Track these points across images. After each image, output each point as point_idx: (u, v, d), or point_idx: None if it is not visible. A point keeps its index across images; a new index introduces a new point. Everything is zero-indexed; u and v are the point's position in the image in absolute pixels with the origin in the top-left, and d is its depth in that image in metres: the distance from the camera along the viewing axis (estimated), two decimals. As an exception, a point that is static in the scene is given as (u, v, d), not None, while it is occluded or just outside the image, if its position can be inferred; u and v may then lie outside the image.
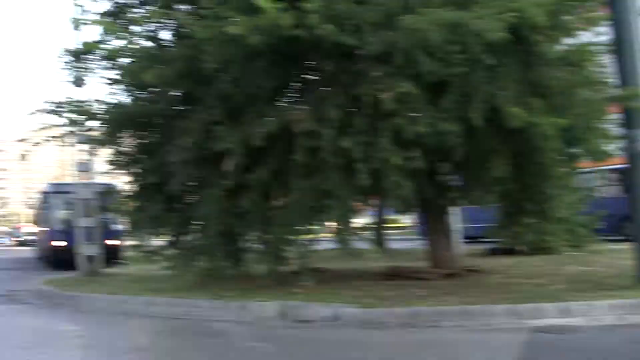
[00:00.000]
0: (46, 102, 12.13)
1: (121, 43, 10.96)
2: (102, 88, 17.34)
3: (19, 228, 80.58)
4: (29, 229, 66.86)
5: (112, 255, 18.41)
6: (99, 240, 15.00)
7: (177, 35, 10.34)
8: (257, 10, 7.73)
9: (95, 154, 14.11)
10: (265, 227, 9.90)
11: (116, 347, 6.85)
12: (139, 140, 11.98)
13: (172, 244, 11.41)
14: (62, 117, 12.12)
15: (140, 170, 11.72)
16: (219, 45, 8.29)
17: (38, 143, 12.59)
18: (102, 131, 12.38)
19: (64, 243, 19.58)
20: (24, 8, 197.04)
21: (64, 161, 59.63)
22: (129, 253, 20.45)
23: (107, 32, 11.36)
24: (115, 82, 11.75)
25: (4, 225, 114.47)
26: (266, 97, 9.19)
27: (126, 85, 11.30)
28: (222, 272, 10.13)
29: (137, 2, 11.95)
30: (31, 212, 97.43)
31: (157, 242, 12.75)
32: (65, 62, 12.97)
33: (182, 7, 10.38)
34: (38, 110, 12.12)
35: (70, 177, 42.36)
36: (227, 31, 7.86)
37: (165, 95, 10.28)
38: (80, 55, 12.69)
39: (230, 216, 9.68)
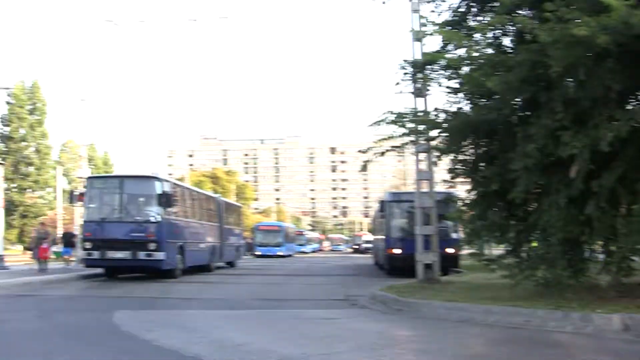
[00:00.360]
0: (387, 112, 13.58)
1: (462, 51, 11.85)
2: (442, 97, 18.47)
3: (358, 236, 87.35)
4: (367, 236, 72.41)
5: (449, 263, 19.50)
6: (437, 248, 15.78)
7: (520, 40, 10.66)
8: (605, 9, 7.78)
9: (434, 163, 15.11)
10: (610, 236, 9.80)
11: (454, 354, 7.32)
12: (479, 148, 12.62)
13: (511, 253, 11.70)
14: (404, 127, 13.46)
15: (480, 178, 12.22)
16: (565, 48, 8.47)
17: (382, 153, 14.12)
18: (443, 140, 13.41)
19: (400, 250, 21.27)
20: (362, 22, 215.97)
21: (402, 170, 63.99)
22: (466, 261, 21.43)
23: (448, 41, 12.35)
24: (456, 90, 12.65)
25: (342, 234, 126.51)
26: (614, 99, 9.10)
27: (467, 94, 12.04)
28: (562, 282, 10.11)
29: (477, 10, 12.73)
30: (369, 220, 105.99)
31: (496, 250, 13.24)
32: (405, 73, 14.39)
33: (524, 11, 10.72)
34: (378, 122, 13.60)
35: (408, 186, 45.20)
36: (574, 33, 8.05)
37: (508, 101, 10.62)
38: (420, 65, 13.98)
39: (574, 224, 9.73)
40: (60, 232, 33.81)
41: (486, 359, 7.26)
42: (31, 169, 56.99)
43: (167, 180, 20.93)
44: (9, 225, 46.24)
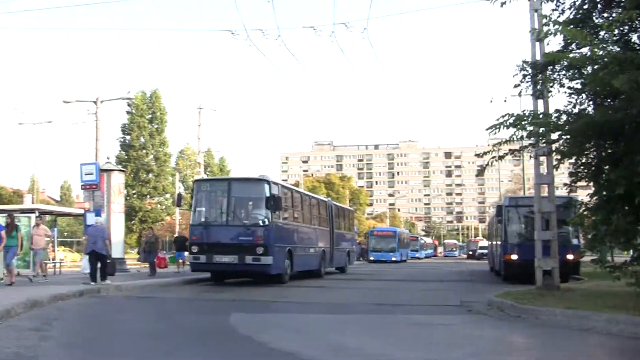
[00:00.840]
0: (505, 115, 13.16)
1: (586, 50, 11.33)
2: (563, 99, 17.75)
3: (473, 241, 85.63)
4: (482, 242, 70.82)
5: (569, 270, 18.65)
6: (557, 254, 15.14)
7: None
8: None
9: (555, 166, 14.51)
10: None
11: None
12: (603, 150, 12.03)
13: (637, 259, 11.18)
14: (523, 130, 12.99)
15: (604, 182, 11.67)
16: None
17: (500, 157, 13.68)
18: (564, 142, 12.86)
19: (517, 256, 20.53)
20: (479, 23, 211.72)
21: (519, 175, 62.07)
22: (587, 268, 20.44)
23: (571, 40, 11.85)
24: (578, 91, 12.12)
25: (456, 239, 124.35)
26: None
27: (591, 94, 11.55)
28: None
29: (602, 6, 12.14)
30: (484, 225, 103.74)
31: (620, 257, 12.53)
32: (525, 75, 13.92)
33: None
34: (497, 125, 13.19)
35: (526, 191, 43.75)
36: None
37: (636, 101, 10.05)
38: (541, 66, 13.48)
39: None
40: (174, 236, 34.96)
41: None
42: (150, 175, 58.50)
43: (275, 183, 20.08)
44: (129, 230, 48.21)
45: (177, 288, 17.94)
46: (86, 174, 17.07)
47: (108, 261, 17.31)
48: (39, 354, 6.90)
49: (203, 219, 19.40)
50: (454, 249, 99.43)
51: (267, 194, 18.55)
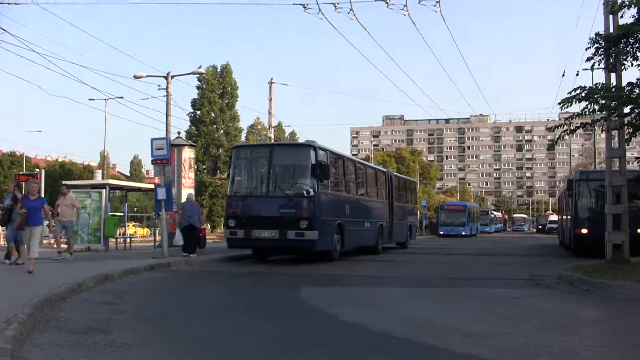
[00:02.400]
0: (578, 89, 12.80)
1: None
2: (635, 72, 17.08)
3: (544, 215, 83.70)
4: (552, 216, 69.13)
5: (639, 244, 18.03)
6: (628, 228, 14.71)
7: None
8: None
9: (627, 140, 14.02)
10: None
11: (638, 336, 6.83)
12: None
13: None
14: (596, 103, 12.61)
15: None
16: None
17: (572, 131, 13.32)
18: (636, 116, 12.41)
19: (587, 230, 20.03)
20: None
21: (590, 149, 60.10)
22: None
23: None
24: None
25: (526, 214, 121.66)
26: None
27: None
28: None
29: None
30: (555, 200, 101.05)
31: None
32: (598, 48, 13.44)
33: None
34: (569, 99, 12.84)
35: (597, 165, 42.40)
36: None
37: None
38: (615, 39, 12.99)
39: None
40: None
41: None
42: (221, 150, 58.24)
43: (324, 149, 17.29)
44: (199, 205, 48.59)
45: (245, 263, 17.33)
46: (157, 149, 16.67)
47: (200, 235, 17.91)
48: (111, 328, 6.85)
49: (241, 190, 17.36)
50: (523, 223, 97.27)
51: (313, 161, 16.35)
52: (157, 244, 22.70)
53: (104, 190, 21.11)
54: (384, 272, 15.79)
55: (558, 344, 6.05)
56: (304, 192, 16.26)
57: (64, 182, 22.57)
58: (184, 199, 19.87)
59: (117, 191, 30.06)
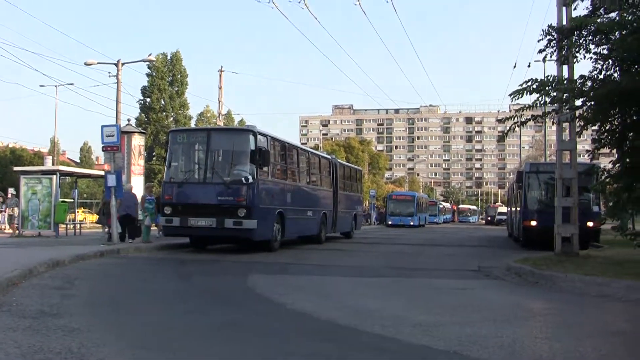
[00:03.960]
0: (529, 81, 13.01)
1: (614, 15, 11.10)
2: (587, 65, 17.51)
3: (492, 207, 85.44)
4: (501, 208, 70.68)
5: (589, 237, 18.47)
6: (577, 221, 15.00)
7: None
8: None
9: (578, 133, 14.35)
10: None
11: (594, 329, 6.91)
12: (629, 117, 11.89)
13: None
14: (547, 95, 12.85)
15: (629, 149, 11.59)
16: None
17: (523, 123, 13.53)
18: (588, 109, 12.70)
19: (537, 223, 20.49)
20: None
21: (540, 141, 61.60)
22: (606, 236, 20.31)
23: (599, 4, 11.62)
24: (605, 57, 11.91)
25: (475, 205, 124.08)
26: None
27: (618, 60, 11.34)
28: None
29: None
30: (504, 191, 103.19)
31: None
32: (550, 40, 13.69)
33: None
34: (520, 91, 13.04)
35: (546, 157, 43.36)
36: None
37: None
38: (567, 31, 13.24)
39: None
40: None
41: (630, 336, 6.81)
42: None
43: (264, 134, 16.79)
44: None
45: (189, 250, 17.29)
46: (107, 136, 16.81)
47: (138, 224, 18.28)
48: (62, 312, 6.98)
49: (177, 176, 16.89)
50: (469, 214, 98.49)
51: (253, 147, 15.91)
52: (106, 230, 22.53)
53: (55, 176, 21.38)
54: (329, 261, 15.87)
55: (506, 335, 6.14)
56: (243, 178, 15.82)
57: (14, 169, 22.76)
58: (136, 186, 20.36)
59: (67, 177, 29.81)
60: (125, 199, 17.98)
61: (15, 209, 29.42)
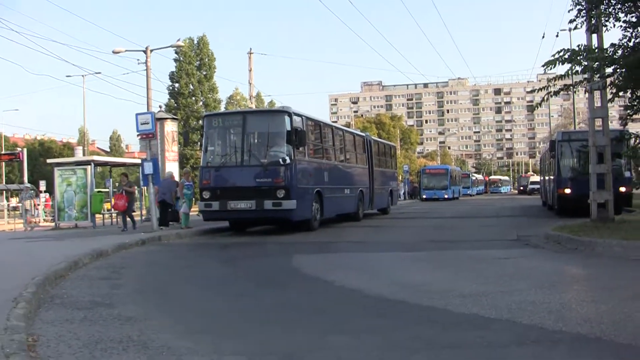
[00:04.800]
0: (561, 51, 12.98)
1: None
2: (617, 34, 17.28)
3: (524, 177, 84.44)
4: (533, 177, 69.95)
5: (622, 202, 18.37)
6: (611, 187, 14.94)
7: None
8: None
9: (610, 100, 14.25)
10: None
11: (631, 292, 6.96)
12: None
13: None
14: (579, 64, 12.79)
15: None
16: None
17: (556, 92, 13.49)
18: (619, 76, 12.62)
19: (571, 190, 20.43)
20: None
21: (569, 110, 60.63)
22: (638, 200, 20.12)
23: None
24: (634, 25, 11.82)
25: (507, 175, 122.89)
26: None
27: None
28: None
29: None
30: (535, 161, 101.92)
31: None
32: (580, 9, 13.59)
33: None
34: (553, 61, 13.00)
35: (575, 125, 42.80)
36: None
37: None
38: (596, 0, 13.13)
39: None
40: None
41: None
42: (201, 122, 58.56)
43: (299, 115, 16.77)
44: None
45: (229, 234, 17.33)
46: (142, 124, 16.57)
47: (173, 210, 18.61)
48: (114, 302, 6.96)
49: (214, 160, 16.88)
50: (500, 184, 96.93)
51: (289, 128, 15.89)
52: (143, 218, 22.87)
53: (89, 166, 21.25)
54: (370, 237, 15.94)
55: (553, 301, 6.28)
56: (280, 160, 15.76)
57: (48, 161, 22.67)
58: (167, 173, 20.18)
59: (98, 167, 30.17)
60: (162, 186, 18.19)
61: (28, 202, 29.68)
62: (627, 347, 4.60)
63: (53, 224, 23.33)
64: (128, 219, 18.16)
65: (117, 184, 19.64)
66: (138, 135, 17.14)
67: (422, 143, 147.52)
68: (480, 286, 7.40)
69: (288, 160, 15.76)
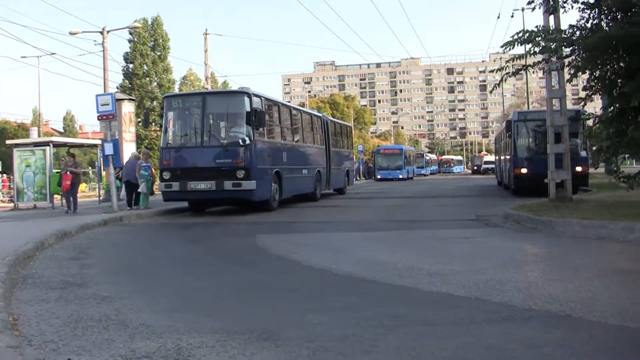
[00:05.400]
0: (520, 32, 13.18)
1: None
2: (573, 15, 17.59)
3: (478, 156, 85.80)
4: (487, 157, 71.15)
5: (578, 182, 18.80)
6: (569, 167, 15.28)
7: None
8: None
9: (568, 80, 14.54)
10: None
11: (600, 269, 7.17)
12: (617, 64, 12.09)
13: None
14: (538, 45, 13.01)
15: (619, 95, 11.80)
16: None
17: (514, 73, 13.71)
18: (577, 57, 12.88)
19: (527, 170, 20.82)
20: None
21: (522, 89, 61.82)
22: (593, 179, 20.68)
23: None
24: (592, 6, 12.05)
25: (460, 155, 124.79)
26: None
27: (605, 9, 11.49)
28: None
29: None
30: (488, 141, 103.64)
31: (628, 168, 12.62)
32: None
33: None
34: (511, 42, 13.18)
35: (528, 105, 43.61)
36: None
37: None
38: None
39: None
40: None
41: (636, 274, 7.07)
42: (155, 103, 57.21)
43: (258, 96, 16.86)
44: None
45: (190, 214, 17.53)
46: (102, 105, 16.75)
47: (138, 190, 18.27)
48: (86, 281, 7.05)
49: (174, 141, 16.96)
50: (452, 164, 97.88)
51: (248, 109, 16.03)
52: (101, 198, 23.04)
53: (48, 147, 21.30)
54: (330, 217, 16.06)
55: (520, 280, 6.43)
56: (240, 140, 16.00)
57: (7, 142, 22.72)
58: (125, 153, 20.39)
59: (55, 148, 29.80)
60: (126, 166, 18.45)
61: None
62: (597, 323, 4.74)
63: (11, 204, 23.44)
64: (72, 199, 18.13)
65: (61, 164, 19.37)
66: (98, 116, 17.14)
67: (375, 123, 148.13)
68: (446, 265, 7.53)
69: (248, 141, 15.93)
